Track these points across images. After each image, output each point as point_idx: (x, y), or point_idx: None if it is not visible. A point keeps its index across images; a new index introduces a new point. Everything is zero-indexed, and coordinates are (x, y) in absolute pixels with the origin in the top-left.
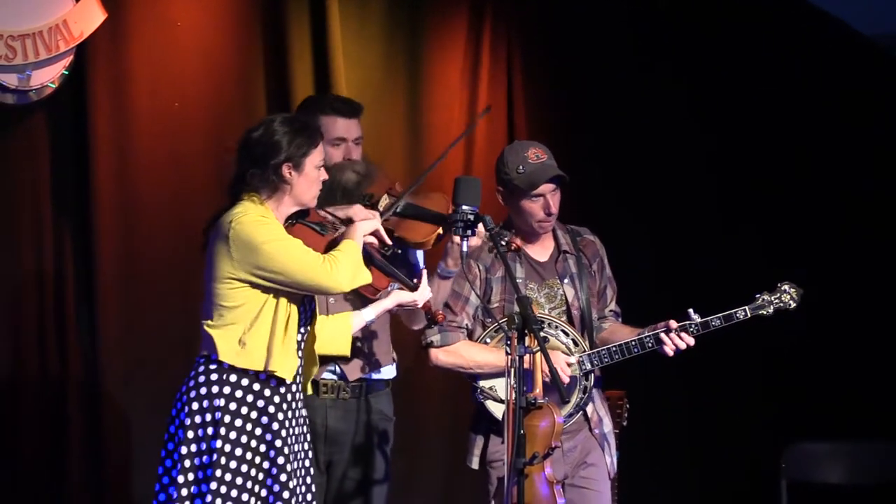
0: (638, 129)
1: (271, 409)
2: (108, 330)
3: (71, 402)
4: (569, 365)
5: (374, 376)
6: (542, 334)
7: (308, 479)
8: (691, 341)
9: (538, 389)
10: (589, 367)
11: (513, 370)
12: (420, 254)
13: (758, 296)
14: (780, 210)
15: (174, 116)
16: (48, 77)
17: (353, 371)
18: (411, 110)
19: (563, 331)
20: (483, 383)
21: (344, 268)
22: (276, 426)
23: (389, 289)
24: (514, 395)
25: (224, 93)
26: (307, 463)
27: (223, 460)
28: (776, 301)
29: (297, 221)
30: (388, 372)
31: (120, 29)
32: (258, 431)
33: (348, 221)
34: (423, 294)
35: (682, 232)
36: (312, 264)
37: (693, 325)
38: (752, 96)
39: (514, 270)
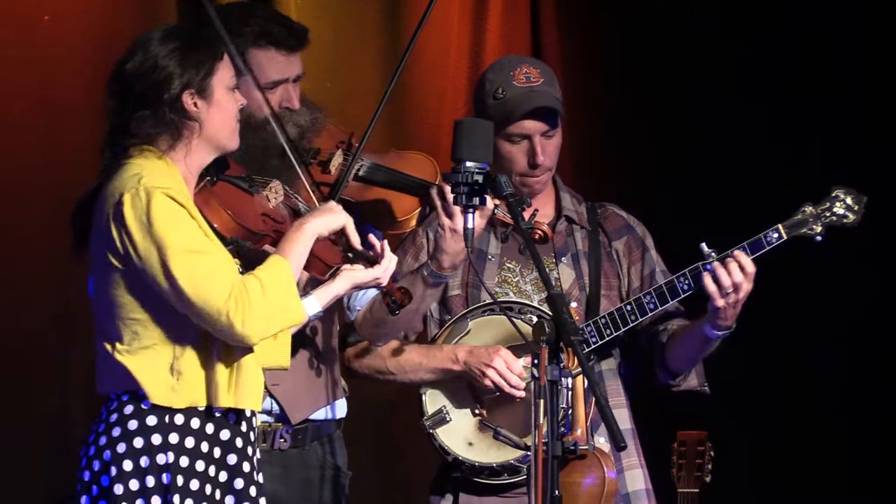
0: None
1: (232, 458)
2: None
3: None
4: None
5: (323, 416)
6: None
7: None
8: (750, 266)
9: (580, 430)
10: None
11: (541, 402)
12: None
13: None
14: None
15: (43, 35)
16: None
17: (297, 408)
18: (388, 30)
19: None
20: (429, 402)
21: (257, 313)
22: (240, 483)
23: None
24: (543, 439)
25: (117, 5)
26: None
27: None
28: (826, 214)
29: (217, 178)
30: (340, 408)
31: None
32: (221, 495)
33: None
34: (387, 269)
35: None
36: (213, 299)
37: (709, 261)
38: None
39: (487, 243)
